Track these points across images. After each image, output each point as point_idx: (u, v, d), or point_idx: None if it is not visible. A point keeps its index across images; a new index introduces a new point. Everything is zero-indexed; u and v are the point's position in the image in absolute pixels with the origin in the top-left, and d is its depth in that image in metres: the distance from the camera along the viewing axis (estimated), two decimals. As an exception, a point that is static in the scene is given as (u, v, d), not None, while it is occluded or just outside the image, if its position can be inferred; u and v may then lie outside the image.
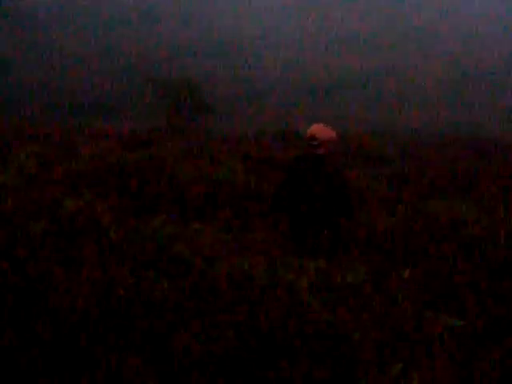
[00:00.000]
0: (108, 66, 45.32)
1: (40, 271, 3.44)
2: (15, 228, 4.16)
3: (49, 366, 3.21)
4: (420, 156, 19.25)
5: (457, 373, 3.62)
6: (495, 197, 12.04)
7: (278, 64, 50.53)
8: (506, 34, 59.76)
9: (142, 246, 4.09)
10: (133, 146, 15.43)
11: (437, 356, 3.79)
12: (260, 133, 22.13)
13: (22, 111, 32.73)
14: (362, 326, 3.88)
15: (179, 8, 63.80)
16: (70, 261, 3.63)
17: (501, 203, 10.87)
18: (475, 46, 55.23)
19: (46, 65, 44.32)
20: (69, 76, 42.52)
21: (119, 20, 58.41)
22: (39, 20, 55.04)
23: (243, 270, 4.32)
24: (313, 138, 6.00)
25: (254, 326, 3.75)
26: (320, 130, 6.02)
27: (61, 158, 11.20)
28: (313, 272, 4.90)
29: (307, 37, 57.81)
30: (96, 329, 3.17)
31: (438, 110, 39.57)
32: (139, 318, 3.35)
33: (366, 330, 3.79)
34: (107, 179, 8.33)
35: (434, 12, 63.90)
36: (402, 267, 4.91)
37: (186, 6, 64.30)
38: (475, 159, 18.80)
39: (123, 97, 37.72)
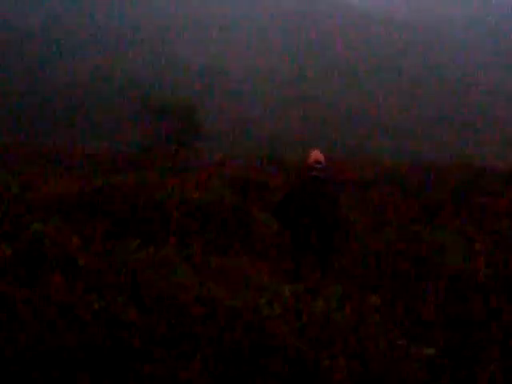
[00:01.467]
0: (104, 88, 45.42)
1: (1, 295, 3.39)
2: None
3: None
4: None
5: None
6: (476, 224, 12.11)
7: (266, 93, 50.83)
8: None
9: (112, 272, 4.04)
10: (122, 167, 15.40)
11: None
12: (249, 157, 22.19)
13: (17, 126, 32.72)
14: (332, 353, 3.83)
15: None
16: (34, 285, 3.59)
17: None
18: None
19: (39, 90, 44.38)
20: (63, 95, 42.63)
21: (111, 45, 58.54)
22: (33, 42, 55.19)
23: (211, 296, 4.27)
24: (318, 162, 6.55)
25: (221, 355, 3.70)
26: (322, 155, 6.59)
27: (46, 177, 11.15)
28: (288, 297, 4.86)
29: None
30: (60, 355, 3.12)
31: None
32: (105, 345, 3.30)
33: (335, 358, 3.74)
34: (92, 202, 8.28)
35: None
36: (374, 293, 4.88)
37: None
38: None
39: (118, 118, 37.81)
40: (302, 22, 68.80)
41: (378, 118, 46.20)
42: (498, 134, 43.76)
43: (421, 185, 16.30)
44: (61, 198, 8.55)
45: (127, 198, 9.16)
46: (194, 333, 3.76)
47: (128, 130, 35.02)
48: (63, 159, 18.72)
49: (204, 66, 55.55)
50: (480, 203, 14.57)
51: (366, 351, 3.92)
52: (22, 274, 3.68)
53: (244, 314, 4.05)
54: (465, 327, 4.88)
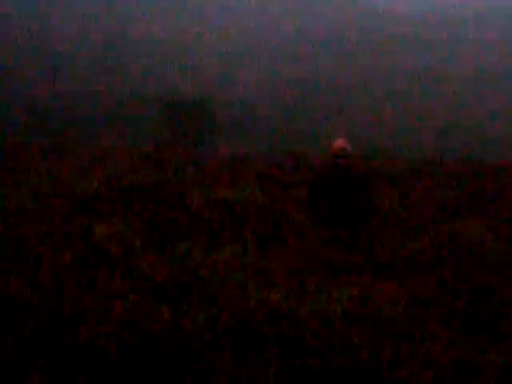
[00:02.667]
0: (115, 84, 45.26)
1: (68, 304, 3.27)
2: (40, 256, 4.00)
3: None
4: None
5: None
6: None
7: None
8: None
9: (173, 276, 3.92)
10: (143, 166, 15.28)
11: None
12: (270, 153, 22.03)
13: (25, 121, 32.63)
14: (405, 362, 3.70)
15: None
16: (97, 293, 3.47)
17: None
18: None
19: (52, 78, 44.25)
20: (73, 93, 42.51)
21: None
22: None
23: (275, 301, 4.14)
24: (343, 149, 6.94)
25: (290, 363, 3.57)
26: (347, 143, 7.00)
27: (73, 178, 11.03)
28: (346, 300, 4.72)
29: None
30: (133, 370, 3.00)
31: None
32: (178, 357, 3.17)
33: (411, 368, 3.61)
34: (124, 203, 8.14)
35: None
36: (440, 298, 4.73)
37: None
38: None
39: (133, 115, 37.69)
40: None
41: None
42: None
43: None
44: (87, 196, 8.42)
45: (159, 199, 9.04)
46: (260, 344, 3.63)
47: (143, 126, 34.93)
48: (81, 155, 18.60)
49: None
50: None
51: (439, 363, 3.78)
52: (84, 281, 3.56)
53: (311, 322, 3.92)
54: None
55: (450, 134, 37.92)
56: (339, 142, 7.04)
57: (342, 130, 34.84)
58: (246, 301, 4.16)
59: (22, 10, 57.22)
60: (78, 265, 3.69)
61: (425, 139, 36.27)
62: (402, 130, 39.24)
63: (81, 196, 8.81)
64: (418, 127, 39.89)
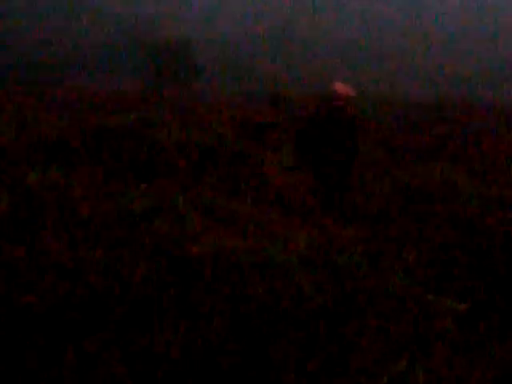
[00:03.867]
0: (95, 28, 44.09)
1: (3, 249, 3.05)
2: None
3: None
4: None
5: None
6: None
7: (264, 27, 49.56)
8: None
9: (116, 222, 3.69)
10: (117, 107, 14.88)
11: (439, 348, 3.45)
12: (250, 95, 21.63)
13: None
14: (358, 311, 3.53)
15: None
16: (33, 242, 3.24)
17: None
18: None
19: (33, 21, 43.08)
20: (55, 35, 41.44)
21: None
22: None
23: (227, 247, 3.94)
24: (334, 92, 6.90)
25: (241, 314, 3.39)
26: (341, 86, 6.97)
27: (40, 119, 10.67)
28: (303, 245, 4.54)
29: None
30: (63, 322, 2.80)
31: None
32: (113, 309, 2.97)
33: (363, 317, 3.44)
34: (86, 144, 7.84)
35: None
36: (399, 245, 4.56)
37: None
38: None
39: (110, 57, 36.85)
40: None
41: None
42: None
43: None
44: (58, 140, 8.12)
45: (127, 140, 8.76)
46: (210, 289, 3.44)
47: (121, 71, 34.21)
48: (57, 98, 18.15)
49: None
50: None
51: (394, 309, 3.62)
52: (19, 229, 3.32)
53: (261, 267, 3.73)
54: (491, 277, 4.55)
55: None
56: (336, 86, 6.99)
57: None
58: (198, 246, 3.96)
59: None
60: (13, 213, 3.46)
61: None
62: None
63: (44, 139, 8.52)
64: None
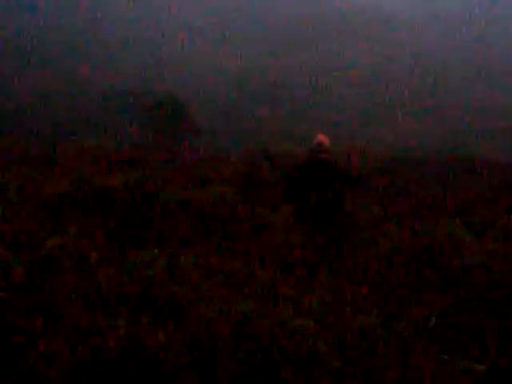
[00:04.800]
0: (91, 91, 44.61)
1: (19, 323, 3.03)
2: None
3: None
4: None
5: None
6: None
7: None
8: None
9: (132, 288, 3.69)
10: (119, 165, 14.99)
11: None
12: (246, 152, 21.87)
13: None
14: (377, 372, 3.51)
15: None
16: (52, 308, 3.23)
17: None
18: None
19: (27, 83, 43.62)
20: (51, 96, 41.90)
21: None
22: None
23: (244, 314, 3.92)
24: (321, 144, 7.35)
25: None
26: (325, 138, 7.42)
27: (42, 180, 10.70)
28: (318, 310, 4.52)
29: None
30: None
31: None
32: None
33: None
34: (92, 205, 7.87)
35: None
36: (413, 307, 4.55)
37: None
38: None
39: (104, 116, 37.19)
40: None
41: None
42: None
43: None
44: (59, 201, 8.13)
45: (128, 200, 8.79)
46: (225, 356, 3.41)
47: (117, 128, 34.49)
48: (55, 158, 18.24)
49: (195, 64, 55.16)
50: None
51: (415, 373, 3.59)
52: (37, 298, 3.31)
53: (278, 332, 3.71)
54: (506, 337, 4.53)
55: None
56: (318, 137, 7.46)
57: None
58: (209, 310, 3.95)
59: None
60: (28, 278, 3.45)
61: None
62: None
63: (49, 197, 8.53)
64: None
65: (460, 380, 3.81)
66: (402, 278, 5.57)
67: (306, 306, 4.54)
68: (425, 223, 10.04)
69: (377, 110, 44.67)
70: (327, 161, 7.39)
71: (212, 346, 3.45)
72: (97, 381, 2.88)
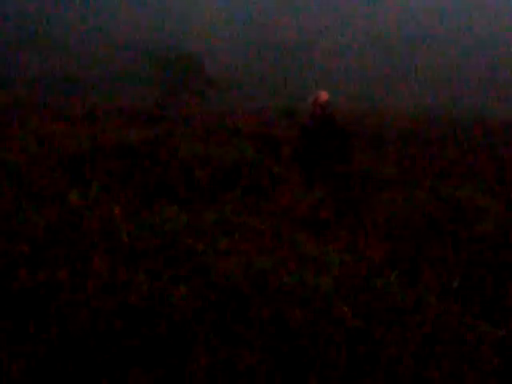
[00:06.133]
0: (105, 45, 44.32)
1: (45, 275, 3.07)
2: (17, 221, 3.78)
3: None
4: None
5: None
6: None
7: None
8: None
9: (154, 244, 3.71)
10: (138, 122, 14.99)
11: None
12: (263, 109, 21.72)
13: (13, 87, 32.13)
14: (397, 337, 3.51)
15: None
16: (77, 263, 3.26)
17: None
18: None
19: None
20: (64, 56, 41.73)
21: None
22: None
23: (265, 270, 3.94)
24: (320, 99, 7.73)
25: (282, 338, 3.39)
26: (324, 93, 7.82)
27: (61, 136, 10.72)
28: (337, 268, 4.53)
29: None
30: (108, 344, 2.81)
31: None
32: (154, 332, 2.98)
33: (402, 344, 3.43)
34: (112, 162, 7.88)
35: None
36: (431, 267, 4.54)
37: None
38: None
39: (123, 73, 37.02)
40: None
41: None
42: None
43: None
44: (79, 157, 8.15)
45: (149, 157, 8.79)
46: (248, 316, 3.44)
47: (132, 85, 34.35)
48: (73, 115, 18.25)
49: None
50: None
51: (433, 335, 3.60)
52: (60, 254, 3.34)
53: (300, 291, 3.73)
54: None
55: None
56: (317, 94, 7.87)
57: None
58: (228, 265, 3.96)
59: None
60: (50, 232, 3.48)
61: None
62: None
63: (70, 155, 8.56)
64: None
65: (479, 343, 3.82)
66: (422, 240, 5.55)
67: (325, 264, 4.56)
68: (448, 185, 9.98)
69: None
70: (332, 116, 7.88)
71: (232, 300, 3.48)
72: (121, 333, 2.92)
